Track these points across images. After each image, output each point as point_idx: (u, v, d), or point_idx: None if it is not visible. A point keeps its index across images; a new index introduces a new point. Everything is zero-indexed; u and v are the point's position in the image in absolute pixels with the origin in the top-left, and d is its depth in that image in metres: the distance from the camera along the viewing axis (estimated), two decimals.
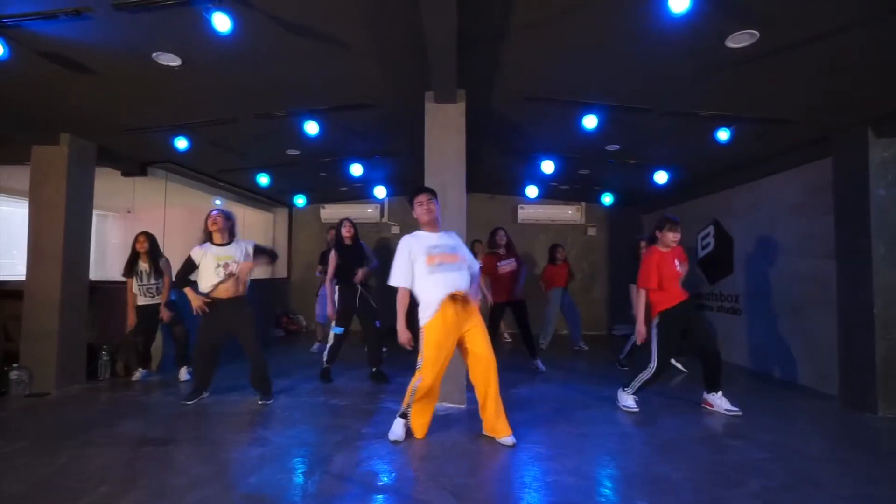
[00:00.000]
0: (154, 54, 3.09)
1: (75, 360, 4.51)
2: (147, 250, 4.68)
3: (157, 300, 4.69)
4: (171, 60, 3.16)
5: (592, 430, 3.33)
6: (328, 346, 4.68)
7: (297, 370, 5.12)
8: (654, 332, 3.75)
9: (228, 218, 3.91)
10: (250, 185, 6.80)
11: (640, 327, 3.76)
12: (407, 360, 4.17)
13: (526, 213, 8.29)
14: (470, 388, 3.24)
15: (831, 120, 3.94)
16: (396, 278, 3.03)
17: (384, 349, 5.09)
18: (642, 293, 3.76)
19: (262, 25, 2.80)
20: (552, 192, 7.75)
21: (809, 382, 4.58)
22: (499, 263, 5.18)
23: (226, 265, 3.78)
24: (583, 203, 8.33)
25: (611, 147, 5.14)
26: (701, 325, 3.86)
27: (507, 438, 3.01)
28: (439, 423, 3.40)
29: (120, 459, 2.77)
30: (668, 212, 4.05)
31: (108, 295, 5.02)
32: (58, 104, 3.83)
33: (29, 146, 4.38)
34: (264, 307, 7.33)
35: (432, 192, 3.16)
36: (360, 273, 4.62)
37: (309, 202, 8.05)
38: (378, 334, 4.75)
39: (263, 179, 6.15)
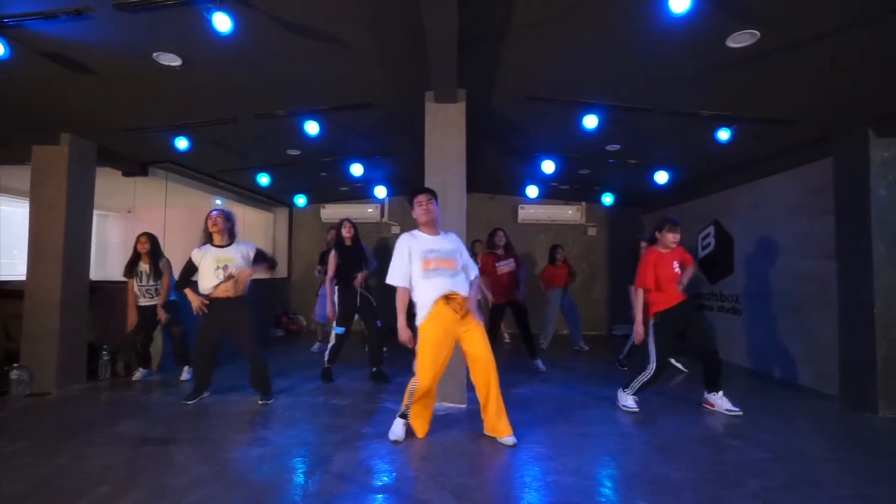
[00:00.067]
0: (155, 54, 3.09)
1: (76, 360, 4.51)
2: (148, 251, 4.68)
3: (155, 301, 4.69)
4: (171, 60, 3.16)
5: (592, 430, 3.33)
6: (329, 346, 4.68)
7: (297, 370, 5.12)
8: (651, 332, 3.76)
9: (228, 219, 3.91)
10: (251, 184, 6.80)
11: (639, 327, 3.77)
12: (407, 359, 4.17)
13: (526, 213, 8.28)
14: (471, 387, 3.24)
15: (832, 120, 3.94)
16: (395, 277, 3.03)
17: (385, 349, 5.09)
18: (640, 293, 3.76)
19: (262, 25, 2.80)
20: (552, 192, 7.75)
21: (809, 382, 4.58)
22: (497, 264, 5.18)
23: (225, 267, 3.78)
24: (583, 203, 8.33)
25: (611, 147, 5.14)
26: (699, 326, 3.85)
27: (508, 438, 3.01)
28: (439, 423, 3.40)
29: (120, 459, 2.77)
30: (669, 213, 4.05)
31: (109, 295, 5.02)
32: (58, 104, 3.83)
33: (29, 146, 4.38)
34: (264, 307, 7.33)
35: (432, 193, 3.16)
36: (360, 277, 4.62)
37: (309, 202, 8.05)
38: (379, 334, 4.75)
39: (264, 179, 6.15)
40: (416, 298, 3.04)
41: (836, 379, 4.13)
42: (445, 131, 3.92)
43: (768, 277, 5.17)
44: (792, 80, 3.33)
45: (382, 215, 8.40)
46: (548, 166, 5.52)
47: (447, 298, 2.97)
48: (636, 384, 3.75)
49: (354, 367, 5.12)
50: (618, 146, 5.11)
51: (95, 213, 4.99)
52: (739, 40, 2.86)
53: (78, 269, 4.53)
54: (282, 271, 8.53)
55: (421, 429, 3.15)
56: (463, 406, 3.78)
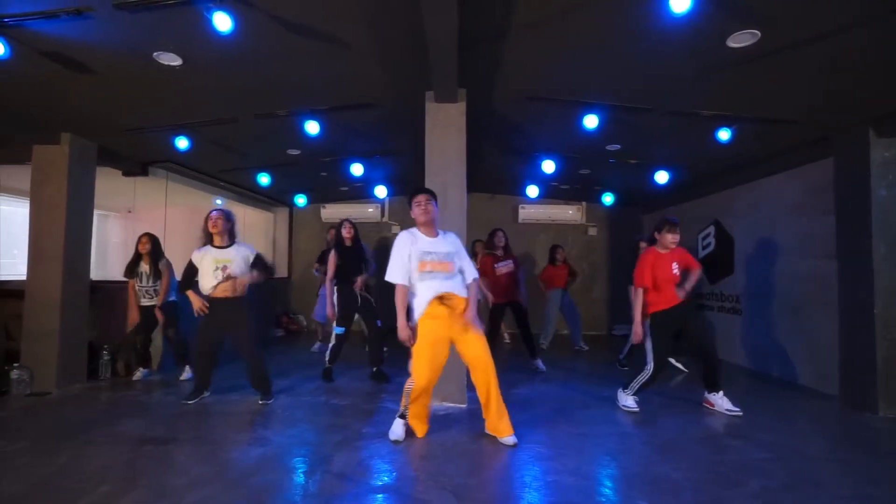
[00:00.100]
0: (155, 54, 3.09)
1: (76, 360, 4.51)
2: (149, 252, 4.68)
3: (155, 301, 4.69)
4: (171, 60, 3.16)
5: (593, 430, 3.33)
6: (330, 346, 4.69)
7: (297, 370, 5.12)
8: (648, 332, 3.77)
9: (229, 219, 3.90)
10: (251, 184, 6.80)
11: (637, 328, 3.76)
12: (408, 359, 4.16)
13: (526, 213, 8.28)
14: (471, 387, 3.25)
15: (832, 120, 3.94)
16: (394, 275, 3.03)
17: (385, 349, 5.09)
18: (640, 292, 3.75)
19: (262, 25, 2.80)
20: (553, 191, 7.75)
21: (810, 382, 4.58)
22: (496, 265, 5.18)
23: (224, 268, 3.78)
24: (583, 203, 8.33)
25: (612, 147, 5.14)
26: (696, 326, 3.84)
27: (509, 438, 3.01)
28: (440, 422, 3.40)
29: (120, 459, 2.77)
30: (668, 213, 4.05)
31: (109, 294, 5.02)
32: (59, 104, 3.83)
33: (30, 146, 4.38)
34: (265, 307, 7.33)
35: (431, 193, 3.16)
36: (360, 281, 4.63)
37: (310, 202, 8.05)
38: (380, 334, 4.75)
39: (264, 179, 6.15)
40: (410, 299, 3.06)
41: (836, 379, 4.13)
42: (446, 131, 3.92)
43: (768, 277, 5.17)
44: (792, 79, 3.33)
45: (383, 215, 8.40)
46: (548, 166, 5.52)
47: (441, 299, 3.00)
48: (635, 384, 3.75)
49: (354, 367, 5.12)
50: (618, 146, 5.11)
51: (96, 212, 5.00)
52: (740, 40, 2.86)
53: (78, 268, 4.54)
54: (282, 271, 8.53)
55: (420, 429, 3.16)
56: (463, 406, 3.78)
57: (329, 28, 2.90)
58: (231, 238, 3.90)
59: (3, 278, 5.67)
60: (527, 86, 3.82)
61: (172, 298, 4.77)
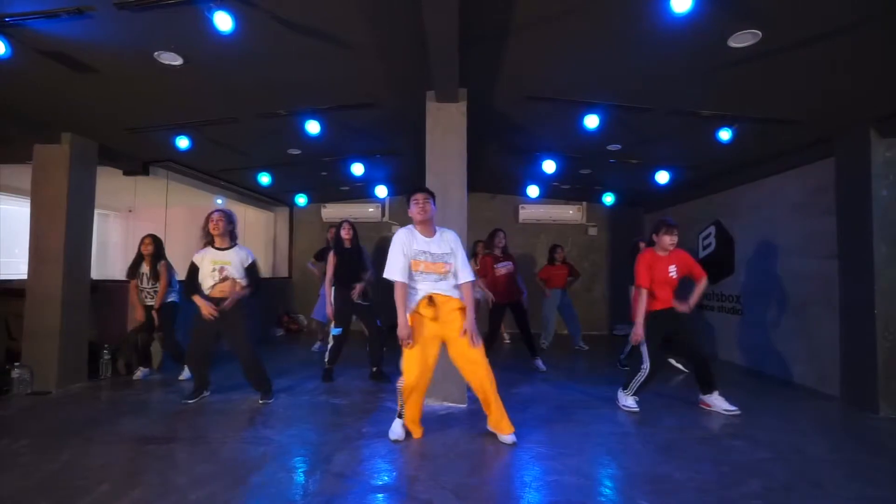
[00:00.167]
0: (156, 53, 3.09)
1: (77, 359, 4.51)
2: (151, 253, 4.68)
3: (152, 302, 4.69)
4: (172, 59, 3.16)
5: (593, 430, 3.33)
6: (328, 347, 4.69)
7: (297, 369, 5.12)
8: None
9: (230, 221, 3.88)
10: (252, 184, 6.80)
11: (639, 328, 3.74)
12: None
13: (527, 213, 8.28)
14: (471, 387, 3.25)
15: (833, 120, 3.94)
16: (393, 272, 3.02)
17: (385, 349, 5.09)
18: (643, 293, 3.74)
19: (263, 25, 2.80)
20: (553, 191, 7.75)
21: (810, 382, 4.57)
22: (495, 265, 5.19)
23: (221, 269, 3.77)
24: (584, 203, 8.32)
25: (612, 147, 5.13)
26: (686, 329, 3.82)
27: (508, 437, 3.02)
28: (440, 422, 3.40)
29: (122, 458, 2.78)
30: (666, 215, 4.05)
31: (110, 294, 5.03)
32: (59, 103, 3.84)
33: (31, 145, 4.38)
34: (265, 307, 7.33)
35: (430, 193, 3.15)
36: (357, 289, 4.62)
37: (310, 201, 8.06)
38: (380, 333, 4.75)
39: (265, 179, 6.15)
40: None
41: (836, 379, 4.13)
42: (446, 131, 3.92)
43: (769, 277, 5.16)
44: (793, 79, 3.33)
45: (383, 215, 8.41)
46: (549, 166, 5.52)
47: (430, 299, 3.01)
48: (634, 384, 3.76)
49: (354, 367, 5.12)
50: (619, 146, 5.11)
51: (96, 212, 4.99)
52: (741, 40, 2.86)
53: (79, 268, 4.54)
54: (282, 271, 8.54)
55: (415, 430, 3.15)
56: (463, 406, 3.78)
57: (330, 28, 2.90)
58: (232, 240, 3.90)
59: (4, 277, 5.68)
60: (528, 85, 3.82)
61: (172, 299, 4.77)
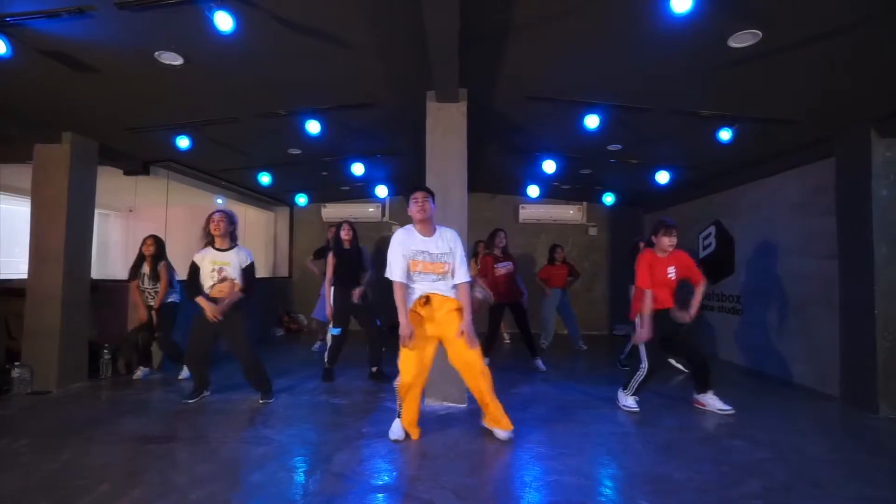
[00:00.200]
0: (156, 53, 3.09)
1: (77, 358, 4.52)
2: (152, 254, 4.68)
3: (153, 303, 4.70)
4: (173, 59, 3.17)
5: (593, 430, 3.33)
6: (328, 347, 4.68)
7: (297, 369, 5.12)
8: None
9: (231, 221, 3.87)
10: (252, 183, 6.80)
11: (646, 329, 3.73)
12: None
13: (527, 213, 8.28)
14: None
15: (833, 120, 3.94)
16: (393, 272, 3.02)
17: (384, 349, 5.09)
18: (648, 294, 3.71)
19: (263, 25, 2.80)
20: (554, 191, 7.75)
21: (810, 382, 4.57)
22: (496, 265, 5.19)
23: (220, 269, 3.77)
24: (584, 203, 8.32)
25: (612, 147, 5.13)
26: (684, 330, 3.81)
27: (504, 433, 3.04)
28: (440, 422, 3.40)
29: (122, 457, 2.78)
30: (665, 216, 4.05)
31: (110, 293, 5.03)
32: (60, 103, 3.84)
33: (31, 145, 4.39)
34: (265, 306, 7.34)
35: (429, 191, 3.15)
36: (357, 293, 4.61)
37: (310, 201, 8.06)
38: (380, 333, 4.74)
39: (265, 178, 6.15)
40: None
41: (836, 379, 4.13)
42: (447, 131, 3.92)
43: (769, 277, 5.16)
44: (793, 79, 3.33)
45: (383, 215, 8.41)
46: (549, 166, 5.52)
47: (426, 299, 3.02)
48: (633, 384, 3.76)
49: (354, 367, 5.12)
50: (619, 146, 5.11)
51: (97, 211, 5.00)
52: (741, 40, 2.86)
53: (79, 267, 4.54)
54: (283, 270, 8.54)
55: (413, 432, 3.13)
56: (463, 406, 3.78)
57: (330, 27, 2.91)
58: (232, 241, 3.89)
59: (5, 277, 5.68)
60: (528, 85, 3.82)
61: (172, 300, 4.77)
